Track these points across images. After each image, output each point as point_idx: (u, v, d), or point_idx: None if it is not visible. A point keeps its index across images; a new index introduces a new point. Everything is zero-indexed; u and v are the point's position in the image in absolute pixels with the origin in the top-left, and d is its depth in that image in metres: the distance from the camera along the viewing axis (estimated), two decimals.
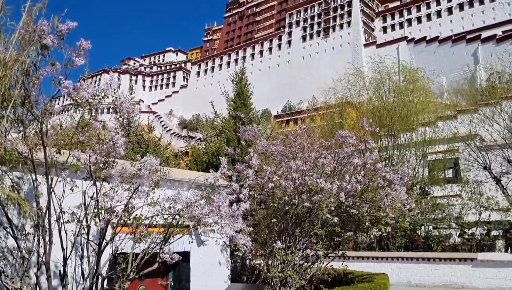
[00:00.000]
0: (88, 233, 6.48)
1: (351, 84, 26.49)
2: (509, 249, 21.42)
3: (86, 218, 6.44)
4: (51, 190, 5.94)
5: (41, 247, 5.96)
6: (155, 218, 7.07)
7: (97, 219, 6.11)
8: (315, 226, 9.98)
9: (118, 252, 6.76)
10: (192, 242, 7.97)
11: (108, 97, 6.91)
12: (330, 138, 10.95)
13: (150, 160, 6.97)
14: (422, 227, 21.62)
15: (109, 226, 6.68)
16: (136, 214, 6.32)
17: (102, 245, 6.45)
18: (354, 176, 9.77)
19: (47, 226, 5.85)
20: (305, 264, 10.47)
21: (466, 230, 22.04)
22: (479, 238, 20.85)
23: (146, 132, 21.40)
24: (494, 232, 21.54)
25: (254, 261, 11.67)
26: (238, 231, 7.08)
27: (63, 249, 6.13)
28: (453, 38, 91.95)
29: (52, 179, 5.99)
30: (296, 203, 9.84)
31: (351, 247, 21.90)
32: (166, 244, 7.13)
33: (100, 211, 6.14)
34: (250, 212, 10.36)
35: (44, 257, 5.85)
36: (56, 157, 6.07)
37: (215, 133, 16.43)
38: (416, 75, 25.66)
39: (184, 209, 6.65)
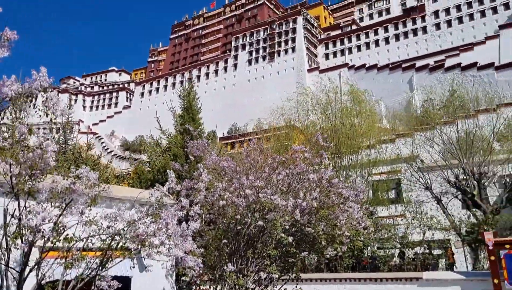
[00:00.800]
0: (8, 258, 5.41)
1: (299, 104, 26.50)
2: (453, 268, 21.88)
3: (6, 240, 5.38)
4: None
5: None
6: (91, 240, 6.11)
7: (18, 241, 5.09)
8: (268, 247, 9.35)
9: (45, 280, 5.72)
10: (133, 267, 7.02)
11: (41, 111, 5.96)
12: (284, 153, 10.47)
13: (87, 173, 6.04)
14: (369, 247, 21.60)
15: (36, 250, 5.65)
16: (68, 234, 5.36)
17: (25, 272, 5.40)
18: (309, 193, 9.31)
19: None
20: (258, 288, 9.76)
21: (410, 249, 22.32)
22: (422, 258, 21.10)
23: (85, 150, 19.95)
24: (437, 251, 21.95)
25: (202, 286, 10.77)
26: (187, 253, 6.27)
27: None
28: (390, 66, 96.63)
29: None
30: (249, 222, 9.19)
31: (300, 269, 21.42)
32: (104, 269, 6.17)
33: (22, 231, 5.13)
34: (198, 233, 9.55)
35: None
36: None
37: (160, 150, 15.44)
38: (362, 97, 26.15)
39: (126, 229, 5.77)
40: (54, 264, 5.58)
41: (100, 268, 6.18)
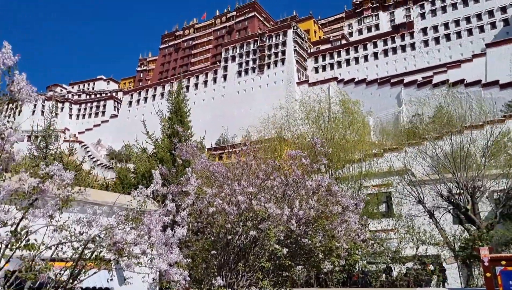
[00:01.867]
0: None
1: (290, 113, 25.87)
2: (445, 284, 21.23)
3: None
4: None
5: None
6: (61, 248, 5.26)
7: None
8: (261, 259, 8.56)
9: None
10: (111, 279, 6.16)
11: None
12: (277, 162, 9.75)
13: (59, 171, 5.22)
14: (360, 262, 20.86)
15: None
16: (29, 240, 4.52)
17: None
18: (305, 201, 8.57)
19: None
20: None
21: (402, 264, 21.65)
22: (415, 273, 20.44)
23: (66, 155, 18.94)
24: (430, 267, 21.31)
25: None
26: (172, 264, 5.45)
27: None
28: (379, 81, 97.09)
29: None
30: (240, 231, 8.40)
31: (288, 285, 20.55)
32: (75, 282, 5.31)
33: None
34: (184, 243, 8.72)
35: None
36: None
37: (146, 156, 14.59)
38: (354, 108, 25.63)
39: (102, 235, 4.94)
40: (13, 277, 4.71)
41: (71, 281, 5.31)
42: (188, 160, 10.41)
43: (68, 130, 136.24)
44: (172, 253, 5.38)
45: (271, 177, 8.63)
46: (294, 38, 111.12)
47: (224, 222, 8.50)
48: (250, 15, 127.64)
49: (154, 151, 14.20)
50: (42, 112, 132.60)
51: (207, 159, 9.43)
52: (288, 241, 8.86)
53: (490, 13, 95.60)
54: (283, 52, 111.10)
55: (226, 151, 77.07)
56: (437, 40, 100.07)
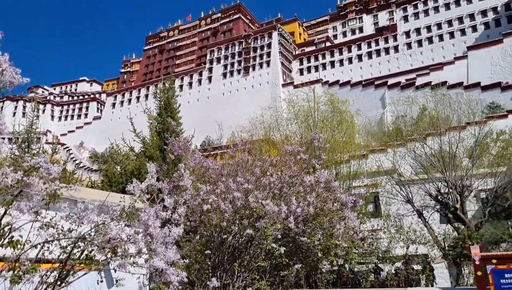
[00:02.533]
0: None
1: (278, 113, 25.56)
2: (433, 284, 21.12)
3: None
4: None
5: None
6: (48, 247, 4.80)
7: None
8: (257, 259, 8.19)
9: None
10: (101, 281, 5.69)
11: None
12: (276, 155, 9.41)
13: (45, 163, 4.77)
14: (352, 262, 20.61)
15: None
16: (12, 237, 4.06)
17: None
18: (303, 198, 8.23)
19: None
20: None
21: (391, 264, 21.49)
22: (405, 273, 20.28)
23: (50, 154, 18.26)
24: (419, 266, 21.22)
25: None
26: (170, 264, 5.03)
27: None
28: (363, 83, 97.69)
29: None
30: (236, 230, 8.02)
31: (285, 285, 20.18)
32: (63, 285, 4.86)
33: None
34: (176, 242, 8.28)
35: None
36: None
37: (134, 154, 14.07)
38: (343, 107, 25.46)
39: (93, 232, 4.51)
40: None
41: (58, 283, 4.85)
42: (179, 157, 9.96)
43: (50, 132, 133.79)
44: (169, 252, 4.97)
45: (268, 173, 8.27)
46: (279, 40, 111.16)
47: (219, 220, 8.09)
48: (235, 17, 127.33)
49: (142, 149, 13.69)
50: (23, 113, 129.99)
51: (201, 155, 9.03)
52: (286, 239, 8.51)
53: (471, 16, 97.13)
54: (268, 54, 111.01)
55: (212, 153, 76.47)
56: (419, 43, 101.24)
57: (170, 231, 5.45)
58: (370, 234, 20.63)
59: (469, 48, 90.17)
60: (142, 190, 5.32)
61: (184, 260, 5.75)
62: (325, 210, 8.41)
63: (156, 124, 13.30)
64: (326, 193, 8.58)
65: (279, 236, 8.10)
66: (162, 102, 13.40)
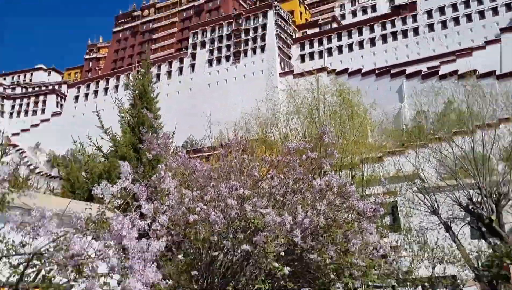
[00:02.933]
0: None
1: (276, 107, 25.44)
2: None
3: None
4: None
5: None
6: None
7: None
8: (255, 280, 8.00)
9: None
10: None
11: None
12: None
13: None
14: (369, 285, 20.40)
15: None
16: None
17: None
18: (312, 207, 8.04)
19: None
20: None
21: (414, 288, 21.35)
22: None
23: None
24: None
25: None
26: (149, 286, 4.81)
27: None
28: (376, 72, 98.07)
29: None
30: (229, 245, 7.82)
31: None
32: None
33: None
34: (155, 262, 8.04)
35: None
36: None
37: (102, 154, 13.85)
38: (355, 99, 25.39)
39: (52, 246, 4.27)
40: None
41: None
42: (157, 157, 9.76)
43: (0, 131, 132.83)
44: (147, 270, 4.74)
45: (268, 174, 8.11)
46: (276, 21, 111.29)
47: (208, 234, 7.89)
48: None
49: (112, 148, 13.46)
50: None
51: (186, 155, 8.83)
52: (290, 257, 8.33)
53: None
54: (263, 37, 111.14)
55: (196, 156, 76.22)
56: (444, 24, 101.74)
57: (149, 245, 5.22)
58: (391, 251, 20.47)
59: (503, 30, 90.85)
60: (113, 194, 5.10)
61: (167, 281, 5.53)
62: (338, 221, 8.23)
63: (129, 118, 13.08)
64: (340, 200, 8.40)
65: (282, 253, 7.90)
66: (136, 91, 13.19)
